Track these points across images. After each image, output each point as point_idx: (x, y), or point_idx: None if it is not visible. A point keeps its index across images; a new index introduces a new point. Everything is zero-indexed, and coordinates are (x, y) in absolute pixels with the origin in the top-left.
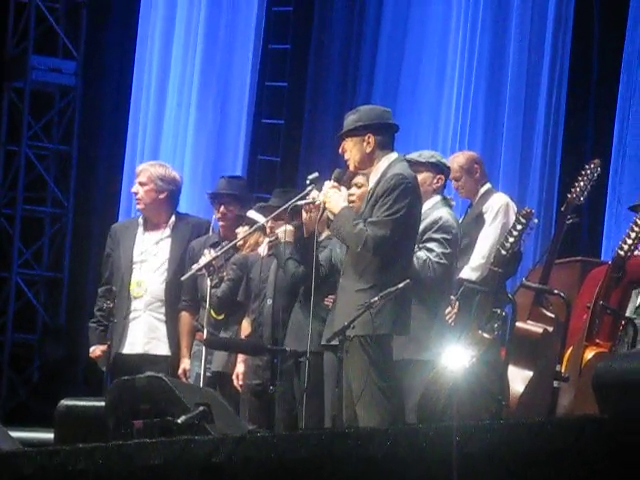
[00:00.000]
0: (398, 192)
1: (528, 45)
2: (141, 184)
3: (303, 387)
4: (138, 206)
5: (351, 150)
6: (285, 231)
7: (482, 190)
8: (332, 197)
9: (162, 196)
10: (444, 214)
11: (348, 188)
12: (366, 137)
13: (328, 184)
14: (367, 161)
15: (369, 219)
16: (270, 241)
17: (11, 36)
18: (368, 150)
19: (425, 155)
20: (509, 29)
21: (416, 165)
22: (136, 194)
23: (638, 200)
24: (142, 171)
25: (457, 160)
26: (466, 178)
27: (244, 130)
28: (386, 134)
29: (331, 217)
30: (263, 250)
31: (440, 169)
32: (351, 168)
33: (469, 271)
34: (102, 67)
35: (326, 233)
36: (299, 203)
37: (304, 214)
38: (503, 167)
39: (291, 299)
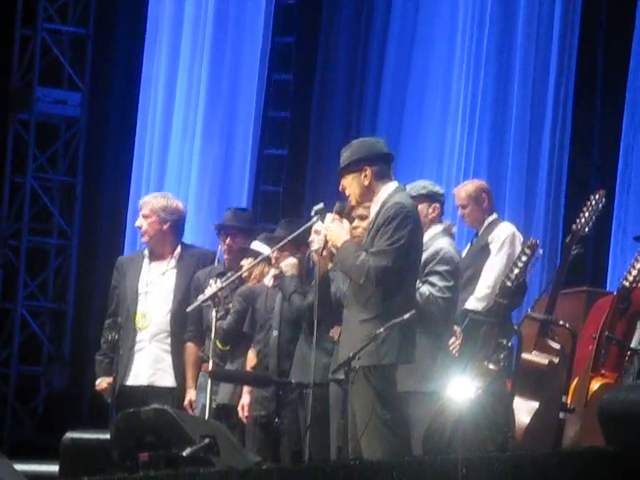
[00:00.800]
0: (398, 221)
1: (533, 74)
2: (144, 217)
3: (308, 419)
4: (143, 239)
5: (350, 185)
6: (289, 264)
7: (488, 220)
8: (334, 230)
9: (166, 227)
10: (445, 245)
11: (350, 221)
12: (362, 170)
13: (330, 217)
14: (367, 194)
15: (370, 250)
16: (275, 276)
17: (17, 68)
18: (366, 183)
19: (416, 187)
20: (514, 60)
21: None
22: (140, 227)
23: None
24: (144, 204)
25: (466, 188)
26: (473, 206)
27: (249, 161)
28: (382, 164)
29: (334, 251)
30: (268, 281)
31: (434, 198)
32: (353, 203)
33: (474, 301)
34: (107, 99)
35: (330, 265)
36: (311, 249)
37: (315, 257)
38: (508, 198)
39: (297, 330)
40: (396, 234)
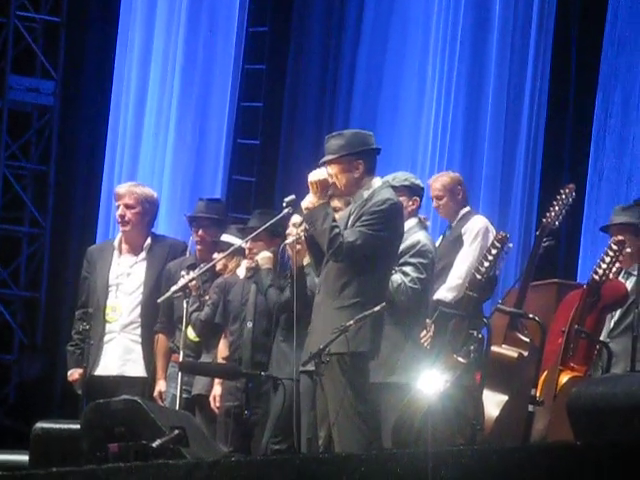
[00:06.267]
0: (386, 215)
1: (509, 65)
2: (128, 206)
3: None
4: (124, 228)
5: (337, 175)
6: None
7: (462, 212)
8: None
9: (147, 219)
10: (422, 238)
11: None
12: (355, 163)
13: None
14: (354, 186)
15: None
16: (249, 267)
17: None
18: (357, 175)
19: (399, 178)
20: (489, 51)
21: None
22: (123, 216)
23: (609, 221)
24: (128, 193)
25: (441, 180)
26: (448, 198)
27: (223, 150)
28: (373, 159)
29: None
30: (242, 272)
31: (414, 191)
32: (336, 193)
33: (445, 291)
34: (80, 87)
35: (306, 260)
36: (286, 242)
37: (289, 250)
38: (483, 192)
39: (271, 322)
40: (377, 225)
